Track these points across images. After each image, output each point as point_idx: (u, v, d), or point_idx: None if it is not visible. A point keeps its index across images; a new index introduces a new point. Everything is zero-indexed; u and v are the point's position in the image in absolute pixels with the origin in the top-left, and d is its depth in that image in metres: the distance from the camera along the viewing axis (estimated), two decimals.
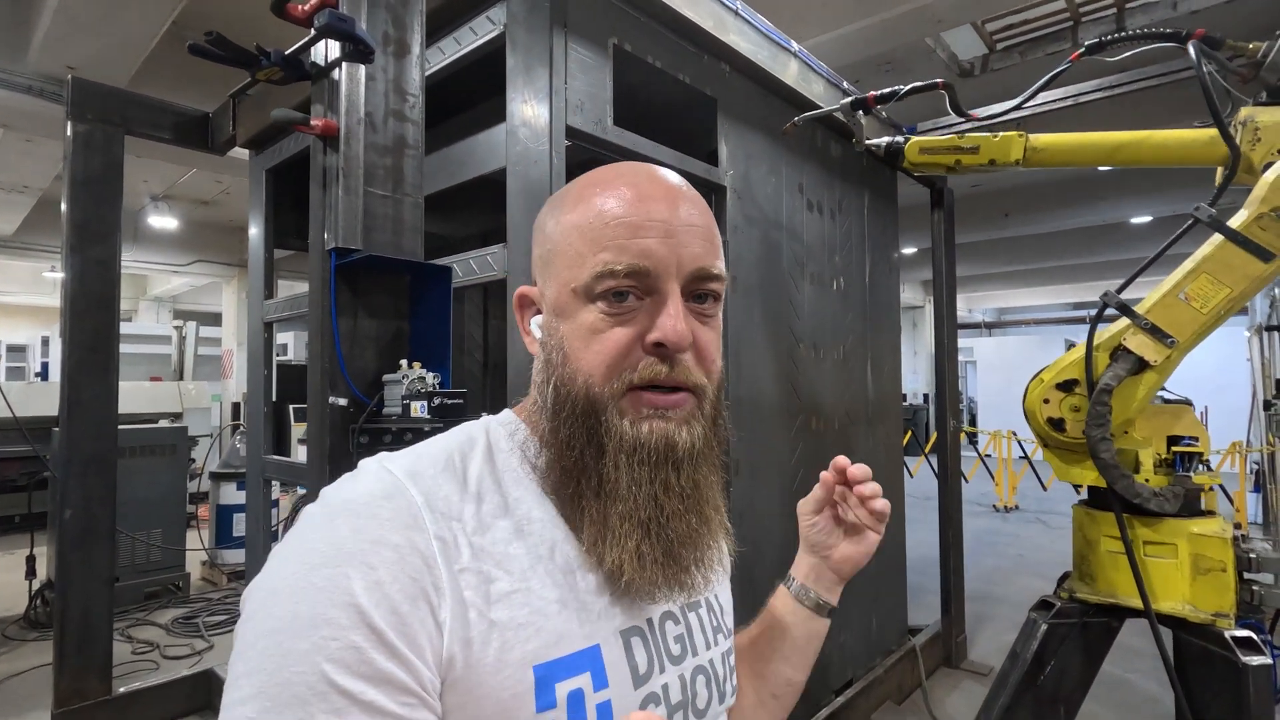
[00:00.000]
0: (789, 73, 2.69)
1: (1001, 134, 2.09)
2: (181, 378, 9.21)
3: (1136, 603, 1.79)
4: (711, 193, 2.47)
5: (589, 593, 0.59)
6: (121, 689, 3.22)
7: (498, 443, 0.63)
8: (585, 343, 0.59)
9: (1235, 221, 1.60)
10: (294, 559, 0.49)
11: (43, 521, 5.34)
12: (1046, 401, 1.79)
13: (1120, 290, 1.69)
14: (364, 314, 1.27)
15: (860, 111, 2.36)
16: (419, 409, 1.21)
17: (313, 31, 1.24)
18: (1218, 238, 1.61)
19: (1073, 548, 1.99)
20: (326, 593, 0.46)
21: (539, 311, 0.66)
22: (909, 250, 10.48)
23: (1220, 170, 1.75)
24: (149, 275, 13.05)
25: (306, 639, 0.45)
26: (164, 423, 6.58)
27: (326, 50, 1.26)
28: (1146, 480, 1.69)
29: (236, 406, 10.22)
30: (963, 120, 3.51)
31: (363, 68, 1.24)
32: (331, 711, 0.44)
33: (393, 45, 1.31)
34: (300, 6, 1.22)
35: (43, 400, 6.55)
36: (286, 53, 1.24)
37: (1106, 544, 1.86)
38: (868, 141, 2.45)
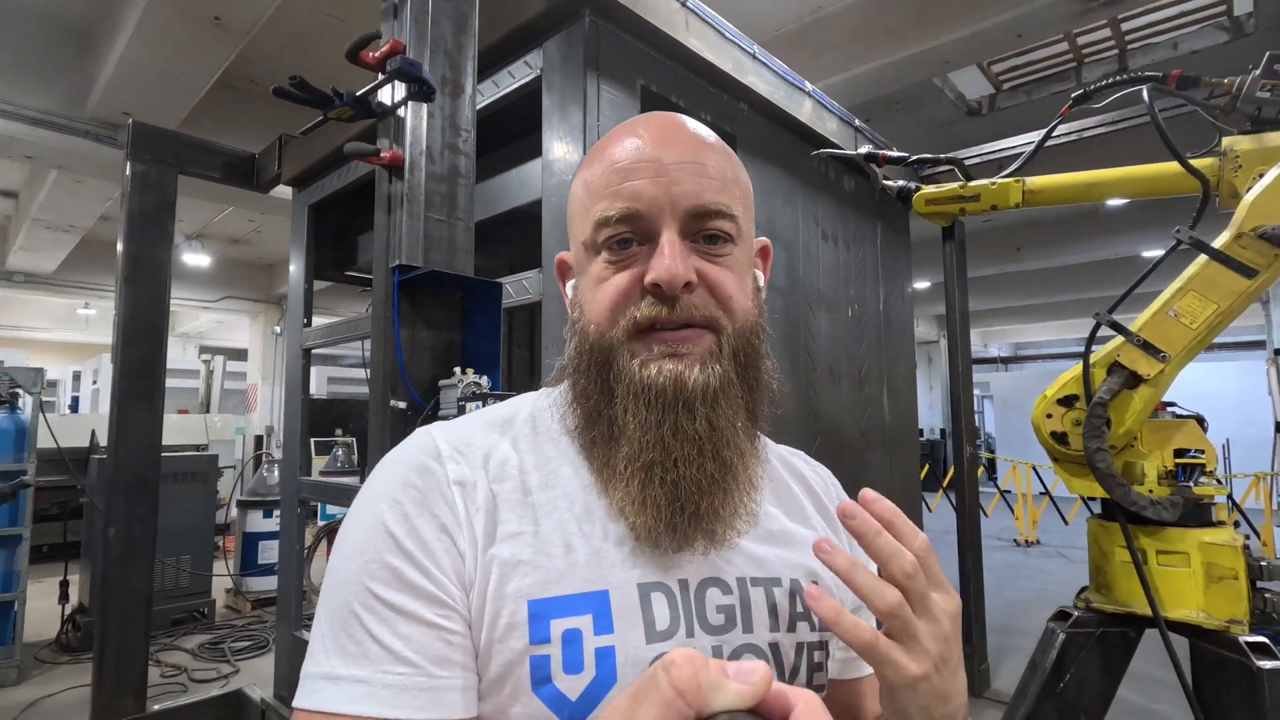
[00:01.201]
0: (804, 111, 2.86)
1: (999, 181, 2.19)
2: (208, 411, 9.41)
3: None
4: None
5: (607, 542, 0.58)
6: (155, 707, 3.29)
7: (541, 409, 0.66)
8: (593, 293, 0.61)
9: (1218, 242, 1.70)
10: (351, 507, 0.58)
11: (76, 550, 5.46)
12: (1050, 416, 1.88)
13: (1112, 310, 1.80)
14: (422, 325, 1.40)
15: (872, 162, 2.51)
16: (473, 409, 1.32)
17: (380, 75, 1.40)
18: (1203, 258, 1.70)
19: (1089, 559, 2.04)
20: (366, 526, 0.55)
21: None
22: (922, 285, 10.58)
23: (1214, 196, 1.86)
24: (179, 311, 13.42)
25: (354, 562, 0.53)
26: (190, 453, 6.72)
27: (393, 91, 1.41)
28: (1150, 491, 1.76)
29: (259, 439, 10.41)
30: (972, 157, 3.67)
31: (425, 106, 1.39)
32: (380, 620, 0.51)
33: (449, 86, 1.47)
34: (371, 53, 1.38)
35: (73, 432, 6.73)
36: (358, 93, 1.40)
37: (1121, 554, 1.91)
38: (885, 183, 2.59)
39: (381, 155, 1.35)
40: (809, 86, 2.88)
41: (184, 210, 7.87)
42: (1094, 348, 1.84)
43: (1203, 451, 1.80)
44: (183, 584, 5.19)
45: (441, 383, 1.44)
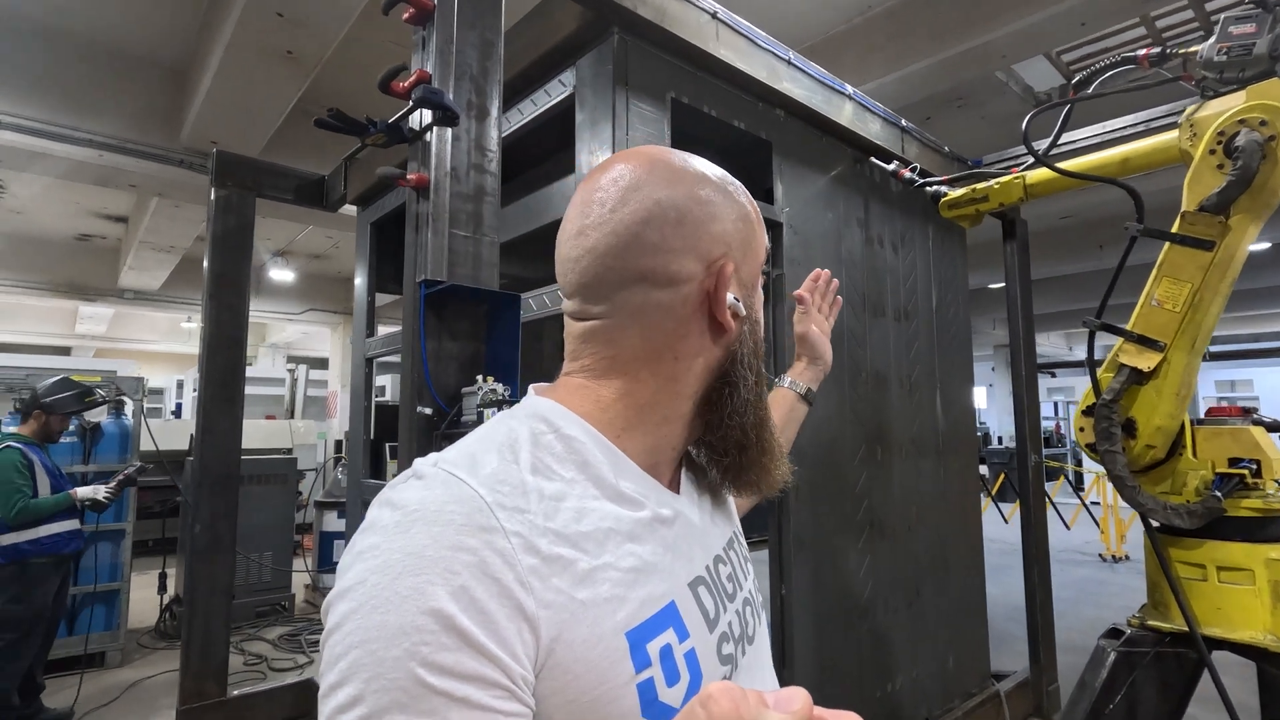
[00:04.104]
0: (844, 114, 2.82)
1: (1001, 181, 2.34)
2: (293, 416, 10.01)
3: (1216, 632, 1.73)
4: (769, 229, 2.60)
5: (654, 555, 0.60)
6: (235, 692, 3.54)
7: (538, 428, 0.62)
8: (762, 313, 0.74)
9: (1172, 227, 1.72)
10: (376, 570, 0.50)
11: (174, 545, 5.92)
12: (1081, 430, 1.83)
13: (1098, 314, 1.80)
14: (447, 337, 1.49)
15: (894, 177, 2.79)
16: (490, 415, 1.39)
17: (410, 102, 1.50)
18: (1166, 245, 1.73)
19: (1146, 574, 1.94)
20: (413, 600, 0.48)
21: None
22: (996, 285, 10.13)
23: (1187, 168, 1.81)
24: (268, 323, 14.35)
25: (398, 646, 0.47)
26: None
27: (421, 117, 1.51)
28: (1187, 501, 1.69)
29: (339, 443, 10.99)
30: (1025, 156, 3.55)
31: (450, 130, 1.48)
32: (429, 712, 0.46)
33: (475, 110, 1.55)
34: (401, 83, 1.48)
35: (176, 436, 7.33)
36: (390, 121, 1.50)
37: (1179, 570, 1.81)
38: (926, 189, 2.69)
39: (408, 177, 1.44)
40: (849, 89, 2.84)
41: (270, 229, 8.45)
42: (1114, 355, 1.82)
43: (1256, 462, 1.68)
44: (265, 578, 5.55)
45: (464, 390, 1.52)
